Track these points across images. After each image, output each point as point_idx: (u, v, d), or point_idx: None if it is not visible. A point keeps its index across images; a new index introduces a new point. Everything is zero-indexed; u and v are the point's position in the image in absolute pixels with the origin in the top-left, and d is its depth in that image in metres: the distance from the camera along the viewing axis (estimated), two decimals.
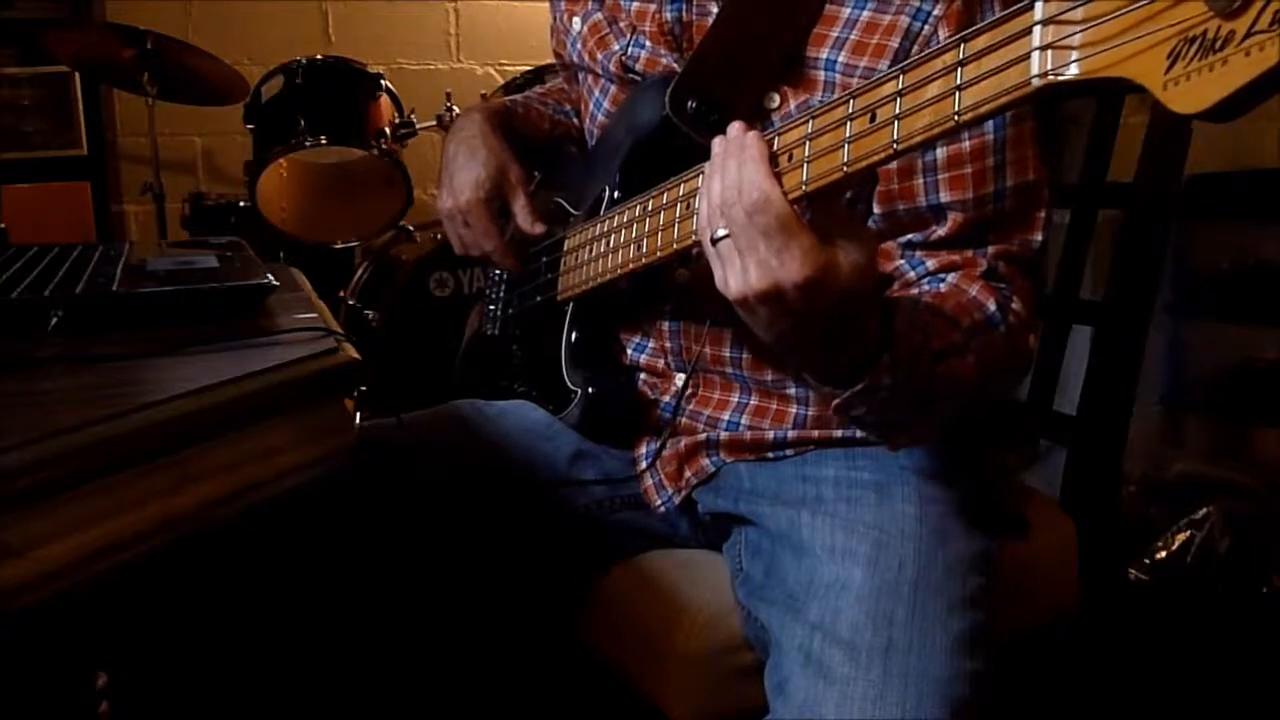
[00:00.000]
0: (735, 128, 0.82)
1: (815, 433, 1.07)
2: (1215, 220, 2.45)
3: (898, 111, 0.71)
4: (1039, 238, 1.00)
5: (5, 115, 2.83)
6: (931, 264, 1.00)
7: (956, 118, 0.67)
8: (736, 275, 0.79)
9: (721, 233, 0.80)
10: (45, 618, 0.54)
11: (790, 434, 1.08)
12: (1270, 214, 2.39)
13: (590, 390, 1.13)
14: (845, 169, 0.75)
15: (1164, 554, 2.09)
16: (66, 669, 0.76)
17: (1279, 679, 1.74)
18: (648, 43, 1.12)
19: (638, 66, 1.12)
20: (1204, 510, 2.10)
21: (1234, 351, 2.44)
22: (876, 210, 1.02)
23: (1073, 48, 0.60)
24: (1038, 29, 0.62)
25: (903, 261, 1.02)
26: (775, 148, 0.80)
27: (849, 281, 0.77)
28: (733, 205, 0.78)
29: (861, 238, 0.80)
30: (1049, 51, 0.61)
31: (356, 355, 0.76)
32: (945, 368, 0.89)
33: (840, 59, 0.99)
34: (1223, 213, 2.43)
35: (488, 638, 1.14)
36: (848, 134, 0.75)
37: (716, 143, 0.83)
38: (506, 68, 3.29)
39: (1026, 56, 0.62)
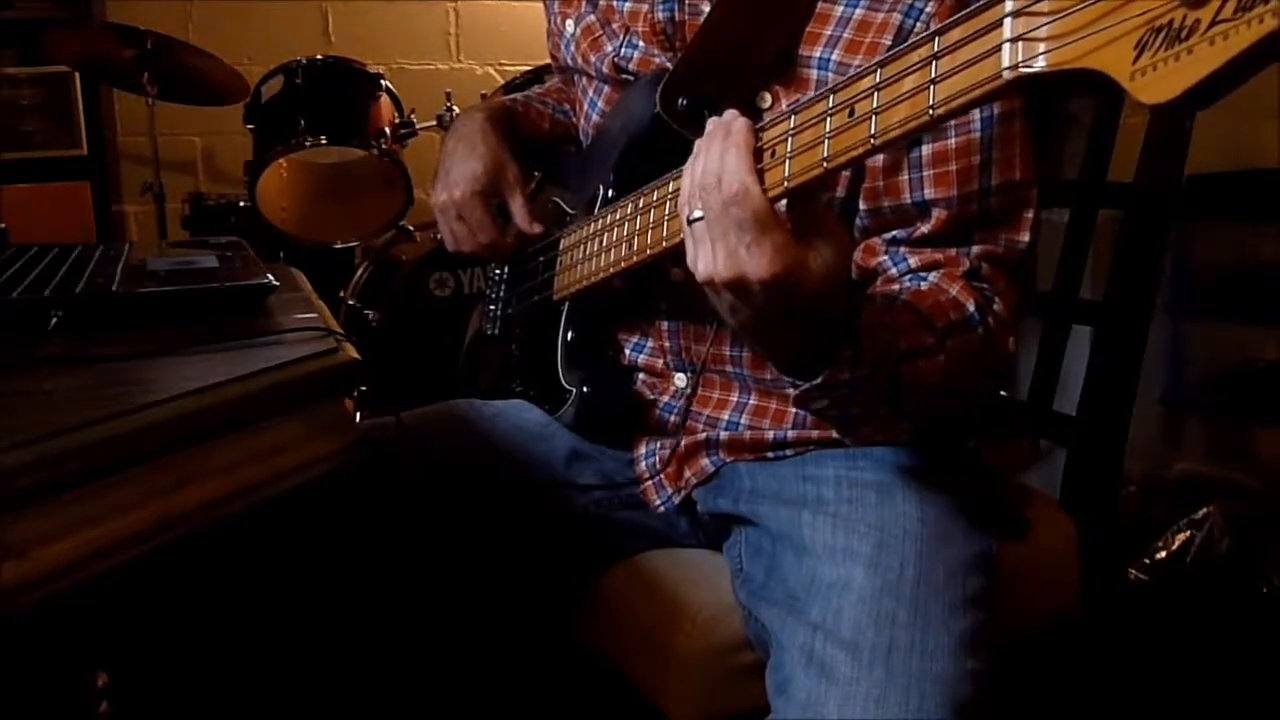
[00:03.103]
0: (729, 112, 0.82)
1: (815, 433, 1.07)
2: (1215, 220, 2.45)
3: (875, 106, 0.71)
4: (1025, 239, 0.99)
5: (5, 115, 2.82)
6: (914, 261, 1.00)
7: (931, 111, 0.67)
8: (706, 258, 0.78)
9: (698, 214, 0.79)
10: (45, 618, 0.54)
11: (790, 434, 1.08)
12: (1270, 214, 2.39)
13: (585, 390, 1.13)
14: (825, 164, 0.75)
15: (1164, 554, 2.08)
16: (66, 669, 0.75)
17: (1279, 679, 1.74)
18: (641, 43, 1.12)
19: (631, 67, 1.13)
20: (1204, 510, 2.10)
21: (1234, 351, 2.44)
22: (862, 206, 1.02)
23: (1041, 40, 0.60)
24: (1008, 21, 0.62)
25: (885, 257, 1.02)
26: (760, 143, 0.80)
27: (816, 282, 0.77)
28: (711, 191, 0.78)
29: (836, 239, 0.79)
30: (1019, 44, 0.61)
31: (356, 355, 0.76)
32: (911, 368, 0.88)
33: (833, 58, 0.99)
34: (1223, 213, 2.43)
35: (487, 638, 1.14)
36: (827, 129, 0.75)
37: (710, 122, 0.83)
38: (506, 68, 3.29)
39: (997, 49, 0.62)
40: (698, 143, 0.82)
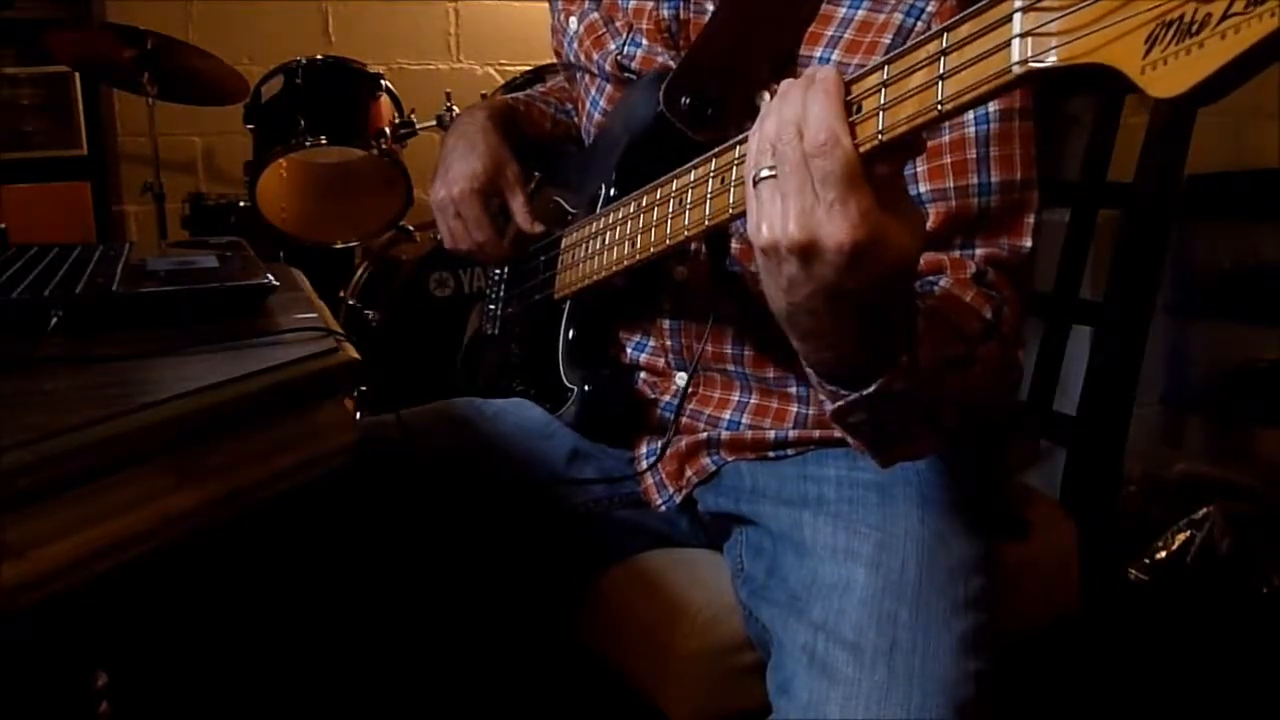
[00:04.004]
0: (812, 67, 0.74)
1: (817, 433, 1.07)
2: (1215, 220, 2.45)
3: (882, 102, 0.71)
4: (1028, 244, 0.97)
5: (5, 115, 2.82)
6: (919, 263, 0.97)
7: (940, 107, 0.67)
8: (772, 219, 0.69)
9: (767, 172, 0.70)
10: (45, 618, 0.54)
11: (791, 433, 1.08)
12: (1270, 214, 2.40)
13: (586, 388, 1.13)
14: None
15: (1164, 554, 2.08)
16: (66, 669, 0.76)
17: (1279, 679, 1.74)
18: (644, 41, 1.12)
19: (634, 65, 1.12)
20: (1204, 510, 2.10)
21: (1234, 351, 2.44)
22: None
23: (1051, 34, 0.60)
24: (1018, 16, 0.61)
25: None
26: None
27: (893, 264, 0.69)
28: (789, 142, 0.69)
29: (914, 218, 0.71)
30: (1029, 39, 0.61)
31: (356, 355, 0.76)
32: (953, 379, 0.84)
33: (833, 57, 0.99)
34: (1223, 213, 2.43)
35: (487, 638, 1.14)
36: None
37: (783, 84, 0.73)
38: (506, 68, 3.29)
39: (1007, 44, 0.62)
40: (768, 103, 0.73)
